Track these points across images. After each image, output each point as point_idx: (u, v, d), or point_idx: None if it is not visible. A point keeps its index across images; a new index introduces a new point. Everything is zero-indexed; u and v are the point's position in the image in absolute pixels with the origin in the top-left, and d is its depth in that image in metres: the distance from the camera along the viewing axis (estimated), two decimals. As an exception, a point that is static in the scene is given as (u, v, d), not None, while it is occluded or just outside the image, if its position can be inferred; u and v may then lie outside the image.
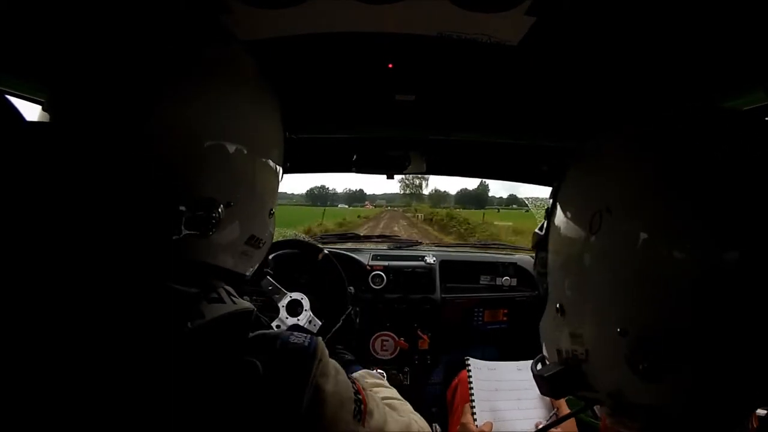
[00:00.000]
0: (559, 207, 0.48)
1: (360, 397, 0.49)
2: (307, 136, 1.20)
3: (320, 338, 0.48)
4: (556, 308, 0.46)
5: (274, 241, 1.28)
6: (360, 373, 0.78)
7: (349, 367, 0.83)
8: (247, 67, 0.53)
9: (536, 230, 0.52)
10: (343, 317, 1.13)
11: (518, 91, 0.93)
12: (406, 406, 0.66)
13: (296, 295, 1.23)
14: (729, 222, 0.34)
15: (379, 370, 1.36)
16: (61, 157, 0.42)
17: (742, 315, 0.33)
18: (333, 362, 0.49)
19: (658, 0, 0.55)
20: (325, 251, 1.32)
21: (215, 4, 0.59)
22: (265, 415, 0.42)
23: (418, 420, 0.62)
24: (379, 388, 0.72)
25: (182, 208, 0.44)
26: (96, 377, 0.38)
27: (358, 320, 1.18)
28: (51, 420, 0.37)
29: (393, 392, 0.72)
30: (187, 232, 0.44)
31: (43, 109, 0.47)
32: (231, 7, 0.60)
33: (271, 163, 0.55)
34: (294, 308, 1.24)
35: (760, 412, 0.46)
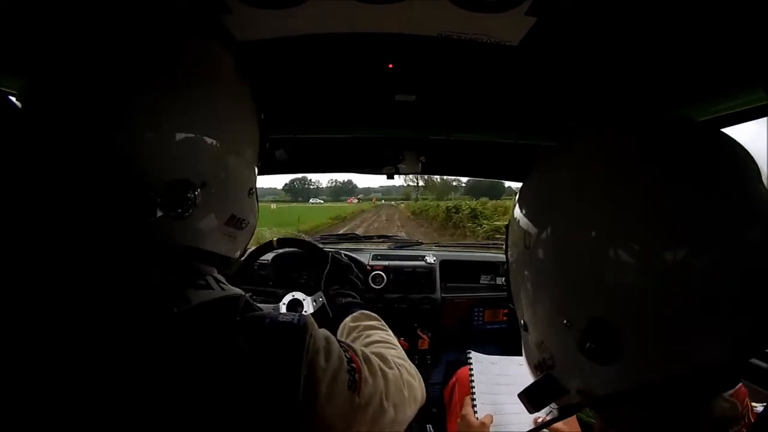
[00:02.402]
0: (511, 216, 0.50)
1: (353, 365, 0.48)
2: (307, 136, 1.20)
3: (308, 315, 0.48)
4: (521, 325, 0.49)
5: (277, 238, 1.28)
6: (354, 315, 0.77)
7: (347, 310, 0.81)
8: (216, 50, 0.52)
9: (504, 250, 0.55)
10: (329, 259, 1.05)
11: (518, 91, 0.93)
12: (396, 351, 0.65)
13: (298, 295, 1.23)
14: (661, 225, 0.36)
15: None
16: (31, 147, 0.42)
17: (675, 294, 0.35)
18: (324, 332, 0.48)
19: (659, 0, 0.55)
20: (274, 239, 1.26)
21: (215, 4, 0.59)
22: (261, 396, 0.42)
23: (409, 369, 0.61)
24: (372, 330, 0.71)
25: (154, 190, 0.43)
26: (81, 365, 0.39)
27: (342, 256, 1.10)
28: (40, 407, 0.38)
29: (385, 335, 0.71)
30: (162, 213, 0.44)
31: (16, 98, 0.46)
32: (231, 8, 0.60)
33: (247, 139, 0.55)
34: (294, 308, 1.24)
35: (757, 407, 0.46)
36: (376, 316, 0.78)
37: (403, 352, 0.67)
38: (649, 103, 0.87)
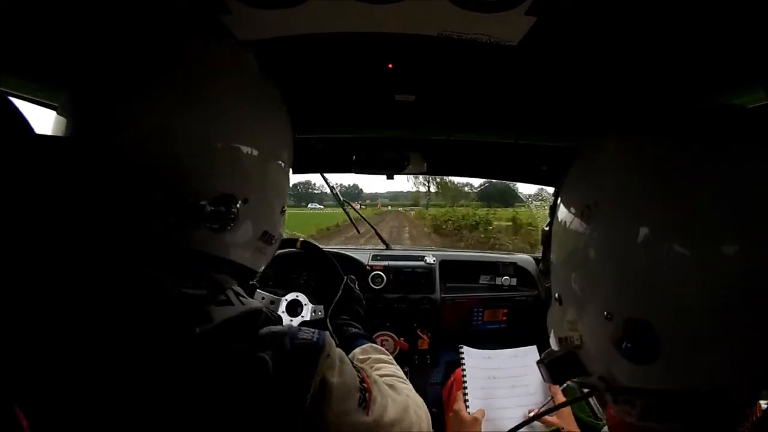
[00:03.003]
0: (559, 203, 0.49)
1: (365, 385, 0.50)
2: (307, 136, 1.20)
3: (328, 333, 0.49)
4: (555, 298, 0.48)
5: (302, 240, 1.27)
6: (364, 348, 0.77)
7: (354, 341, 0.81)
8: (252, 67, 0.55)
9: (544, 227, 0.54)
10: (342, 286, 1.07)
11: (518, 91, 0.93)
12: (406, 385, 0.66)
13: (291, 296, 1.23)
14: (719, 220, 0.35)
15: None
16: (73, 159, 0.43)
17: (732, 300, 0.34)
18: (339, 352, 0.49)
19: (659, 0, 0.55)
20: (301, 238, 1.28)
21: (215, 4, 0.59)
22: (272, 410, 0.42)
23: (416, 400, 0.62)
24: (381, 364, 0.72)
25: (203, 202, 0.45)
26: (104, 384, 0.38)
27: (356, 286, 1.12)
28: (60, 423, 0.38)
29: (395, 369, 0.71)
30: (208, 225, 0.46)
31: (58, 113, 0.48)
32: (231, 8, 0.60)
33: (282, 161, 0.57)
34: (294, 309, 1.24)
35: (764, 404, 0.46)
36: (384, 350, 0.79)
37: (412, 389, 0.67)
38: (648, 103, 0.87)
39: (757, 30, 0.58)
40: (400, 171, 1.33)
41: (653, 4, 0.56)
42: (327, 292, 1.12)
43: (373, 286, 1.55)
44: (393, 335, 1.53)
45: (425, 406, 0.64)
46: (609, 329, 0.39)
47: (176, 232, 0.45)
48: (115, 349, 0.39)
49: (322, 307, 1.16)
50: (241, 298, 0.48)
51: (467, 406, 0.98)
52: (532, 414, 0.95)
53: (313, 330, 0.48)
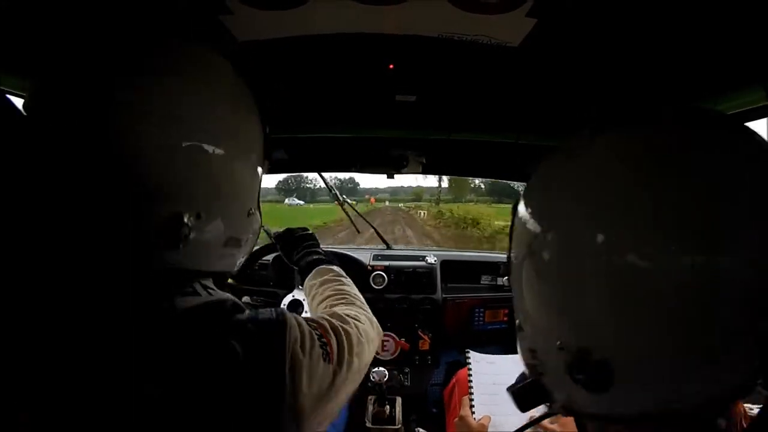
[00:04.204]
0: (516, 216, 0.47)
1: (324, 340, 0.53)
2: (307, 136, 1.20)
3: (285, 308, 0.51)
4: (517, 325, 0.47)
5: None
6: (313, 273, 0.79)
7: (310, 267, 0.82)
8: (221, 68, 0.52)
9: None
10: (272, 235, 1.01)
11: (518, 92, 0.93)
12: (345, 304, 0.69)
13: (292, 296, 1.23)
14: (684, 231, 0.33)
15: (381, 368, 1.36)
16: (32, 152, 0.43)
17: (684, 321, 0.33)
18: (297, 319, 0.51)
19: (659, 1, 0.55)
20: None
21: (215, 4, 0.59)
22: (252, 392, 0.44)
23: (360, 316, 0.64)
24: (326, 285, 0.75)
25: (150, 221, 0.44)
26: (76, 364, 0.40)
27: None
28: (39, 406, 0.40)
29: (339, 285, 0.74)
30: (157, 242, 0.45)
31: (23, 107, 0.46)
32: (232, 9, 0.60)
33: (248, 164, 0.54)
34: (294, 309, 1.24)
35: (751, 410, 0.46)
36: (332, 268, 0.80)
37: (354, 292, 0.73)
38: (648, 104, 0.87)
39: (756, 30, 0.58)
40: (400, 170, 1.33)
41: (653, 7, 0.56)
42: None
43: (374, 286, 1.56)
44: (394, 335, 1.53)
45: (368, 313, 0.68)
46: (563, 358, 0.38)
47: (133, 250, 0.45)
48: (85, 332, 0.41)
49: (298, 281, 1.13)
50: (209, 290, 0.49)
51: (473, 412, 0.98)
52: (530, 419, 0.94)
53: (270, 309, 0.50)
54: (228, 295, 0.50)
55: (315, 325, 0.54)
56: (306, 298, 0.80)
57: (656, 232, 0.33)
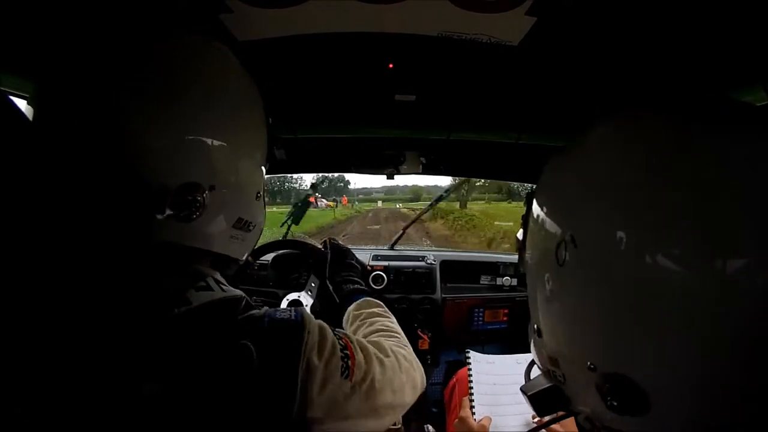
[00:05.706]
0: (532, 216, 0.44)
1: (347, 352, 0.50)
2: (307, 135, 1.20)
3: (305, 309, 0.49)
4: (534, 329, 0.44)
5: (273, 240, 1.27)
6: (358, 303, 0.77)
7: (351, 297, 0.81)
8: (221, 59, 0.53)
9: (517, 235, 0.49)
10: (329, 247, 1.04)
11: (518, 91, 0.93)
12: (395, 340, 0.65)
13: (292, 296, 1.23)
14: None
15: None
16: (37, 149, 0.43)
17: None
18: (318, 323, 0.49)
19: (659, 0, 0.55)
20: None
21: (215, 4, 0.59)
22: (262, 394, 0.43)
23: (406, 355, 0.61)
24: (374, 318, 0.72)
25: (167, 192, 0.45)
26: (84, 365, 0.39)
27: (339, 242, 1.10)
28: (42, 406, 0.39)
29: (389, 322, 0.71)
30: (170, 213, 0.45)
31: (28, 103, 0.47)
32: (231, 7, 0.60)
33: (256, 142, 0.56)
34: None
35: None
36: (380, 302, 0.78)
37: (405, 339, 0.68)
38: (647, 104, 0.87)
39: (757, 30, 0.58)
40: (400, 171, 1.33)
41: (653, 5, 0.56)
42: (322, 266, 1.07)
43: (373, 286, 1.55)
44: (393, 335, 1.53)
45: (417, 361, 0.63)
46: (593, 379, 0.35)
47: (144, 223, 0.45)
48: (94, 332, 0.40)
49: (311, 284, 1.14)
50: (222, 286, 0.49)
51: (473, 413, 0.97)
52: (535, 421, 0.94)
53: (289, 309, 0.49)
54: (240, 293, 0.49)
55: (341, 334, 0.52)
56: (345, 325, 0.77)
57: (694, 233, 0.30)
